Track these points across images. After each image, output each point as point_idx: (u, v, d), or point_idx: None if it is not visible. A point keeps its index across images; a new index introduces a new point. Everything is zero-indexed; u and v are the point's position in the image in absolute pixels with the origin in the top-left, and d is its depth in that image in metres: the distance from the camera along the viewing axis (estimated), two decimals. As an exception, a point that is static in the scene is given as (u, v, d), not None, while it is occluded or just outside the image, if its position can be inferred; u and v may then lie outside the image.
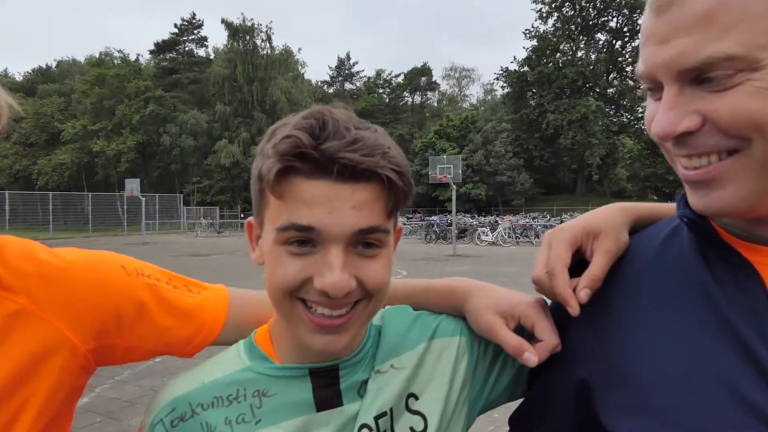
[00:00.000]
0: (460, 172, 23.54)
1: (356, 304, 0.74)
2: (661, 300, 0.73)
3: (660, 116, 0.64)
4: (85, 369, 0.84)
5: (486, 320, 0.86)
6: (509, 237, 25.67)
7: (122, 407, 5.11)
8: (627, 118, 50.98)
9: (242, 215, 44.67)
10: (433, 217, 32.23)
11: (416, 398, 0.83)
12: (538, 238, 25.78)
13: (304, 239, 0.70)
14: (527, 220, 29.01)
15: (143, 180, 41.14)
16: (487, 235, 25.77)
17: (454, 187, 22.01)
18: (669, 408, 0.66)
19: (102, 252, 0.91)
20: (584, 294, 0.77)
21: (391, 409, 0.81)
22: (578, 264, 0.81)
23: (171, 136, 50.53)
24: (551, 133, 46.51)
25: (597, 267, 0.78)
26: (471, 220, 30.33)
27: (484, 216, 35.37)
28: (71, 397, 0.85)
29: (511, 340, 0.83)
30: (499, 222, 27.30)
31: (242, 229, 37.28)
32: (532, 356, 0.81)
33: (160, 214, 43.05)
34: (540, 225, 26.89)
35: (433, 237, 27.21)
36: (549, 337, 0.83)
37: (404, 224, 32.46)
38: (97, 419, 4.81)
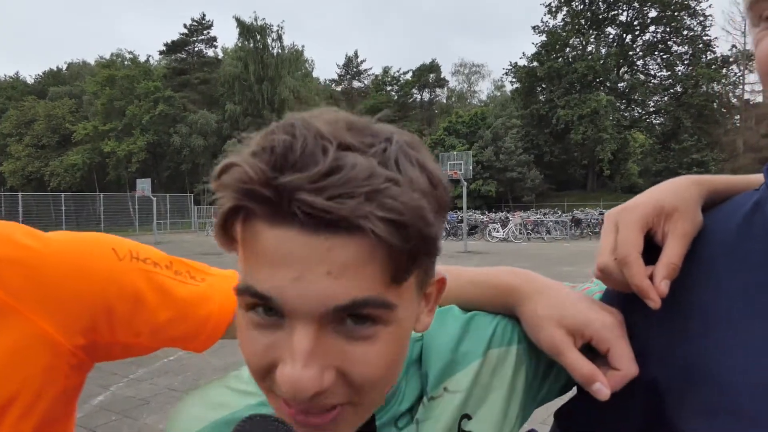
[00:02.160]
0: (471, 168, 23.44)
1: (340, 408, 0.53)
2: (747, 288, 0.63)
3: None
4: (77, 367, 0.73)
5: (549, 336, 0.72)
6: (520, 233, 25.55)
7: (137, 405, 5.11)
8: (638, 112, 50.52)
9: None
10: (444, 214, 32.08)
11: (469, 418, 0.71)
12: (549, 234, 25.65)
13: (267, 306, 0.50)
14: (538, 216, 28.82)
15: (154, 180, 41.30)
16: (498, 232, 25.65)
17: (465, 183, 21.92)
18: (759, 415, 0.58)
19: (92, 234, 0.78)
20: (665, 285, 0.65)
21: None
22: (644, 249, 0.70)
23: (181, 136, 50.77)
24: (561, 129, 46.23)
25: (675, 253, 0.67)
26: (482, 217, 30.20)
27: (495, 212, 35.18)
28: (67, 397, 0.74)
29: (582, 367, 0.69)
30: (510, 218, 27.14)
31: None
32: (604, 389, 0.67)
33: (171, 214, 43.29)
34: (551, 221, 26.72)
35: (444, 234, 27.07)
36: (627, 367, 0.68)
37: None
38: (112, 418, 4.81)
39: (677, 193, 0.71)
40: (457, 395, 0.70)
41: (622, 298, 0.73)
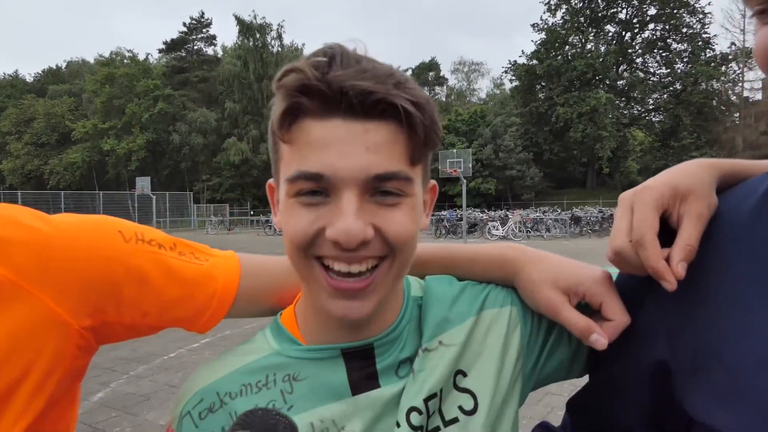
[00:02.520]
0: (470, 166, 23.44)
1: (379, 263, 0.66)
2: (758, 272, 0.62)
3: None
4: (83, 348, 0.74)
5: (545, 297, 0.77)
6: (520, 231, 25.55)
7: (138, 402, 5.13)
8: (638, 110, 50.47)
9: (252, 212, 44.71)
10: (443, 212, 32.07)
11: (464, 375, 0.76)
12: (548, 231, 25.66)
13: (315, 189, 0.63)
14: (537, 214, 28.83)
15: (153, 178, 41.33)
16: (497, 230, 25.65)
17: (464, 181, 21.93)
18: None
19: (98, 216, 0.78)
20: (681, 268, 0.65)
21: (441, 390, 0.74)
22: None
23: (180, 135, 50.73)
24: (561, 127, 46.19)
25: (691, 235, 0.66)
26: (481, 215, 30.17)
27: (494, 210, 35.18)
28: (72, 379, 0.75)
29: (578, 321, 0.74)
30: (510, 216, 27.13)
31: (252, 226, 37.46)
32: (601, 338, 0.72)
33: (171, 212, 43.28)
34: (550, 219, 26.73)
35: (443, 232, 27.12)
36: (620, 317, 0.73)
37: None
38: (113, 414, 4.83)
39: (692, 175, 0.71)
40: (451, 349, 0.75)
41: (633, 283, 0.74)
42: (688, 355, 0.67)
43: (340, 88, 0.59)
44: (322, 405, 0.71)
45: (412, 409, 0.71)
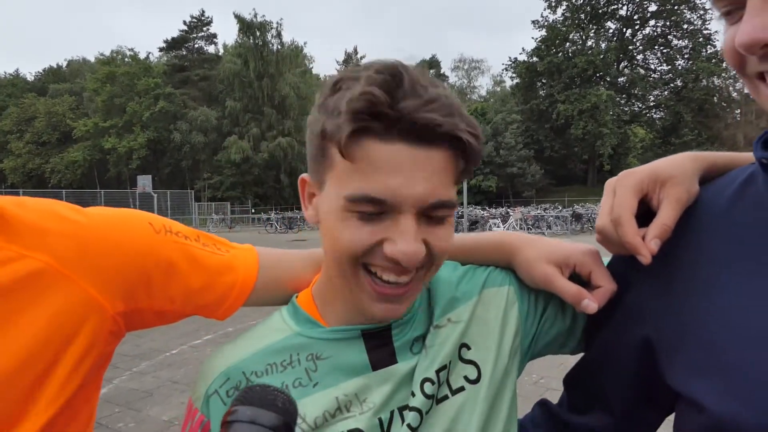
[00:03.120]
0: (471, 163, 23.45)
1: (419, 270, 0.72)
2: (736, 251, 0.68)
3: (746, 24, 0.58)
4: (115, 334, 0.79)
5: (541, 271, 0.85)
6: (521, 228, 25.59)
7: (141, 398, 5.17)
8: (638, 107, 50.45)
9: (253, 210, 44.79)
10: (444, 210, 32.08)
11: (468, 348, 0.83)
12: (549, 228, 25.69)
13: (376, 211, 0.67)
14: (538, 212, 28.86)
15: (155, 176, 41.43)
16: (498, 227, 25.69)
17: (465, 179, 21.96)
18: (746, 367, 0.62)
19: (128, 210, 0.84)
20: (654, 244, 0.72)
21: (450, 362, 0.81)
22: (642, 216, 0.76)
23: (181, 133, 50.76)
24: (562, 124, 46.18)
25: (667, 216, 0.73)
26: (482, 212, 30.21)
27: (495, 208, 35.21)
28: (100, 363, 0.79)
29: (569, 288, 0.82)
30: (511, 213, 27.18)
31: (253, 224, 37.49)
32: (591, 303, 0.80)
33: (172, 210, 43.22)
34: (551, 216, 26.76)
35: (444, 229, 27.17)
36: (607, 283, 0.82)
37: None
38: (116, 410, 4.87)
39: (674, 164, 0.77)
40: (458, 325, 0.83)
41: (622, 266, 0.81)
42: (669, 332, 0.72)
43: (410, 117, 0.63)
44: (346, 381, 0.77)
45: (425, 380, 0.78)
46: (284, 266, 0.94)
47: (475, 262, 0.93)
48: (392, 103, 0.62)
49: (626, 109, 50.08)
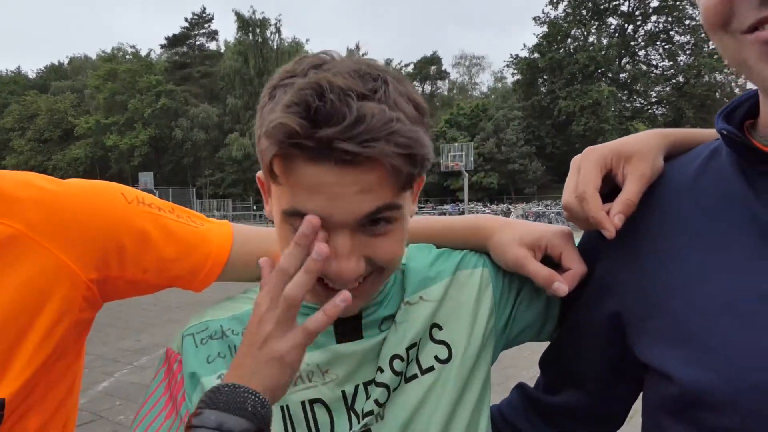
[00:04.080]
0: (472, 160, 23.47)
1: (367, 277, 0.72)
2: (700, 224, 0.69)
3: None
4: (90, 302, 0.81)
5: (513, 254, 0.85)
6: (522, 224, 25.59)
7: (141, 391, 5.19)
8: (640, 103, 50.34)
9: (254, 207, 44.85)
10: (445, 206, 32.19)
11: (440, 328, 0.84)
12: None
13: None
14: (540, 208, 28.86)
15: (156, 174, 41.53)
16: (499, 223, 25.69)
17: (466, 175, 21.99)
18: (711, 335, 0.63)
19: (102, 181, 0.86)
20: (618, 219, 0.73)
21: (420, 340, 0.82)
22: (610, 194, 0.76)
23: (183, 130, 50.85)
24: (563, 120, 46.09)
25: (631, 191, 0.74)
26: (483, 209, 30.25)
27: (497, 204, 35.22)
28: (78, 331, 0.82)
29: (540, 271, 0.82)
30: (512, 210, 27.20)
31: (255, 221, 37.56)
32: (562, 285, 0.80)
33: (174, 208, 43.39)
34: (553, 212, 26.75)
35: (445, 226, 27.18)
36: (577, 265, 0.82)
37: (416, 214, 32.27)
38: (117, 403, 4.93)
39: (639, 141, 0.78)
40: (430, 304, 0.84)
41: (591, 243, 0.82)
42: (636, 305, 0.73)
43: (330, 146, 0.60)
44: (309, 351, 0.77)
45: (395, 356, 0.79)
46: (258, 242, 0.94)
47: (451, 246, 0.93)
48: (311, 133, 0.60)
49: (628, 105, 49.96)
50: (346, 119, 0.59)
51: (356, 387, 0.78)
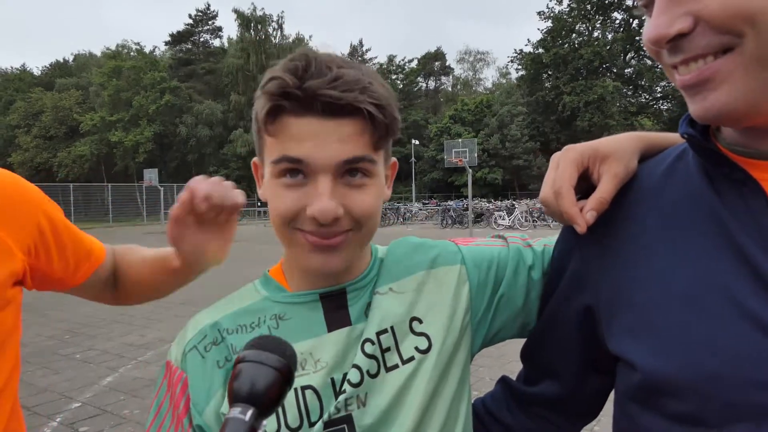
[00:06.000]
0: (476, 155, 23.45)
1: (347, 233, 0.80)
2: (666, 222, 0.73)
3: (653, 21, 0.64)
4: (15, 275, 0.91)
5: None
6: (526, 221, 25.58)
7: (145, 386, 5.29)
8: (645, 98, 50.12)
9: (259, 204, 44.93)
10: (449, 202, 32.15)
11: (420, 321, 0.88)
12: (555, 221, 25.65)
13: (295, 169, 0.76)
14: (544, 204, 28.73)
15: (161, 170, 41.67)
16: (503, 219, 25.69)
17: (470, 171, 21.97)
18: (671, 327, 0.68)
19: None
20: (590, 216, 0.78)
21: (392, 328, 0.86)
22: (587, 192, 0.81)
23: (187, 127, 50.87)
24: (568, 116, 45.96)
25: (604, 189, 0.78)
26: (487, 205, 30.23)
27: (501, 200, 35.20)
28: (16, 311, 0.91)
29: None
30: (516, 206, 27.17)
31: (260, 217, 37.65)
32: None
33: (179, 204, 43.47)
34: (556, 208, 26.67)
35: (449, 222, 27.22)
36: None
37: (420, 210, 32.47)
38: (121, 397, 5.00)
39: (615, 142, 0.83)
40: (402, 296, 0.89)
41: (571, 236, 0.86)
42: (607, 298, 0.78)
43: (314, 94, 0.72)
44: (303, 340, 0.84)
45: (366, 340, 0.85)
46: (128, 256, 1.16)
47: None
48: (299, 84, 0.72)
49: (633, 100, 49.76)
50: (327, 76, 0.73)
51: (344, 375, 0.83)
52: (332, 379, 0.83)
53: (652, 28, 0.64)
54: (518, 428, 1.02)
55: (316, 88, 0.72)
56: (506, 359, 5.31)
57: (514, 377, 1.09)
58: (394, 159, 0.90)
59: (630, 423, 0.75)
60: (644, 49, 0.64)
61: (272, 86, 0.74)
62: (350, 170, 0.77)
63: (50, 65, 71.23)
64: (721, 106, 0.61)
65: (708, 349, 0.64)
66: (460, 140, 26.51)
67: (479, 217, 27.50)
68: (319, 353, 0.84)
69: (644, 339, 0.70)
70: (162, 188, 32.06)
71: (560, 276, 0.88)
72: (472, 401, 1.02)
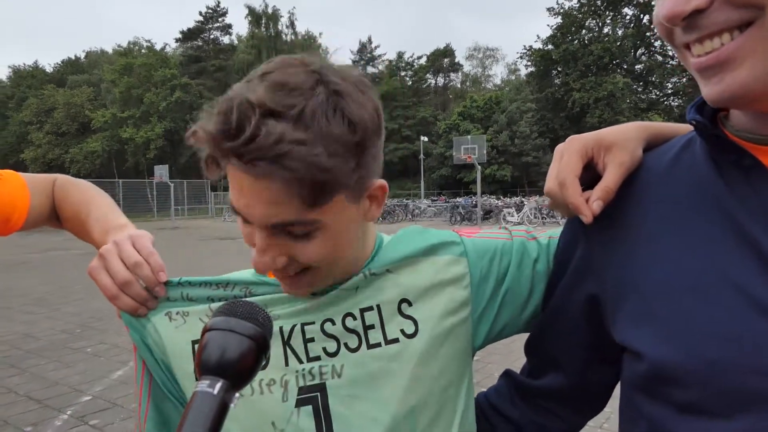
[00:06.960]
0: (485, 152, 23.39)
1: (304, 272, 0.78)
2: (672, 210, 0.72)
3: None
4: None
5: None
6: (535, 218, 25.46)
7: (155, 380, 5.33)
8: (656, 94, 49.69)
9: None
10: (458, 199, 32.08)
11: (410, 304, 0.87)
12: (564, 218, 25.52)
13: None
14: (553, 201, 28.59)
15: (172, 166, 41.81)
16: (512, 216, 25.59)
17: (479, 167, 21.93)
18: (677, 315, 0.67)
19: None
20: (596, 205, 0.76)
21: (378, 306, 0.86)
22: (591, 182, 0.79)
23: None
24: (577, 112, 45.64)
25: (610, 179, 0.77)
26: (496, 201, 30.10)
27: (510, 197, 35.07)
28: None
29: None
30: (525, 203, 27.05)
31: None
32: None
33: (189, 200, 43.72)
34: (566, 205, 26.54)
35: (458, 219, 27.13)
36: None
37: (429, 206, 32.43)
38: (130, 391, 5.01)
39: (619, 131, 0.82)
40: (396, 277, 0.88)
41: (576, 227, 0.85)
42: (612, 287, 0.77)
43: (232, 154, 0.66)
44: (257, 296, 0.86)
45: (348, 314, 0.85)
46: (66, 203, 1.18)
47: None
48: (218, 144, 0.66)
49: (643, 96, 49.29)
50: (241, 136, 0.64)
51: (293, 326, 0.84)
52: (281, 328, 0.84)
53: (667, 4, 0.60)
54: (523, 421, 1.02)
55: (228, 151, 0.65)
56: (515, 356, 5.29)
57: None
58: (381, 181, 0.80)
59: (636, 413, 0.75)
60: (655, 45, 0.66)
61: (198, 137, 0.69)
62: (287, 229, 0.72)
63: (62, 62, 71.83)
64: (737, 86, 0.59)
65: (714, 337, 0.63)
66: (469, 137, 26.47)
67: (488, 213, 27.41)
68: (271, 307, 0.84)
69: (650, 327, 0.70)
70: (172, 184, 32.25)
71: (565, 267, 0.87)
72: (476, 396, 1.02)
